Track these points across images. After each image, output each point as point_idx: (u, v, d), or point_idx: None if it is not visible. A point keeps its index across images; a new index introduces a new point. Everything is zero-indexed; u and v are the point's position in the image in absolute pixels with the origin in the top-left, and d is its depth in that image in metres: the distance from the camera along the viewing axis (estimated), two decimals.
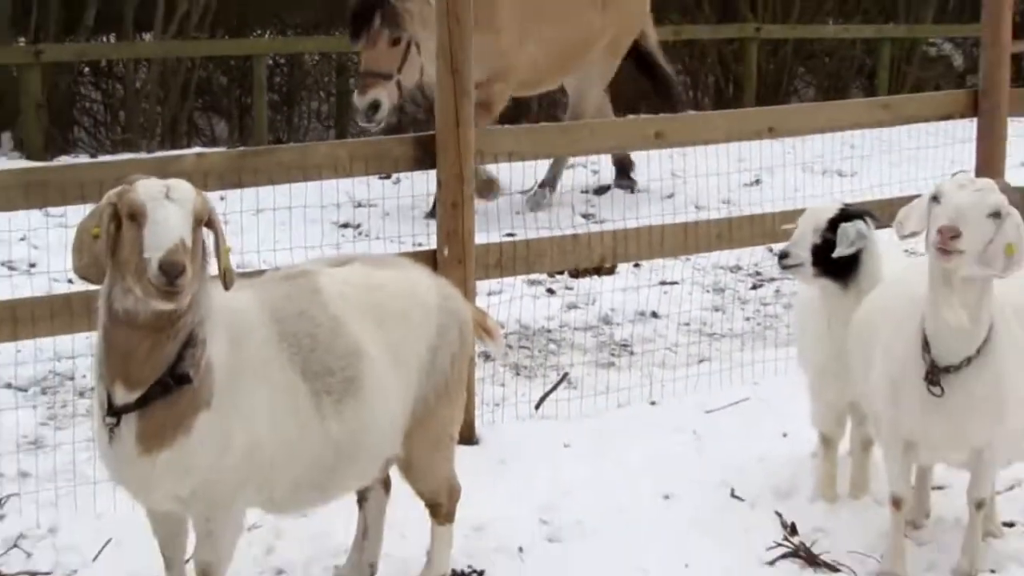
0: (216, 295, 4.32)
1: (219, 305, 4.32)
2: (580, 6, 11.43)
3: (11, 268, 8.78)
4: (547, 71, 11.78)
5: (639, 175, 11.88)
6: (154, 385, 4.14)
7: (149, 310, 4.10)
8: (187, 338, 4.16)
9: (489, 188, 10.15)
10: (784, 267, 5.60)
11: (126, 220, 4.05)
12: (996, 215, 4.58)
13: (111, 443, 4.22)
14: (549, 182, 11.96)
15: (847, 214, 5.49)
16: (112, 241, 4.08)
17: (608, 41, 12.04)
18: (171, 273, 3.95)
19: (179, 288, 3.97)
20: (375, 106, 10.16)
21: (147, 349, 4.13)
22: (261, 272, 5.31)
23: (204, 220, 4.15)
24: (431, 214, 10.07)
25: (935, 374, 4.74)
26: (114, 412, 4.18)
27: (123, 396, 4.16)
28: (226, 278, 4.21)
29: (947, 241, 4.51)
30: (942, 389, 4.73)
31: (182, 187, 4.14)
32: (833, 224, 5.45)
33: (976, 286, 4.67)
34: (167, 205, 4.05)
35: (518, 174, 10.26)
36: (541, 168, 11.40)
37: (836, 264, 5.43)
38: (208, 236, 4.22)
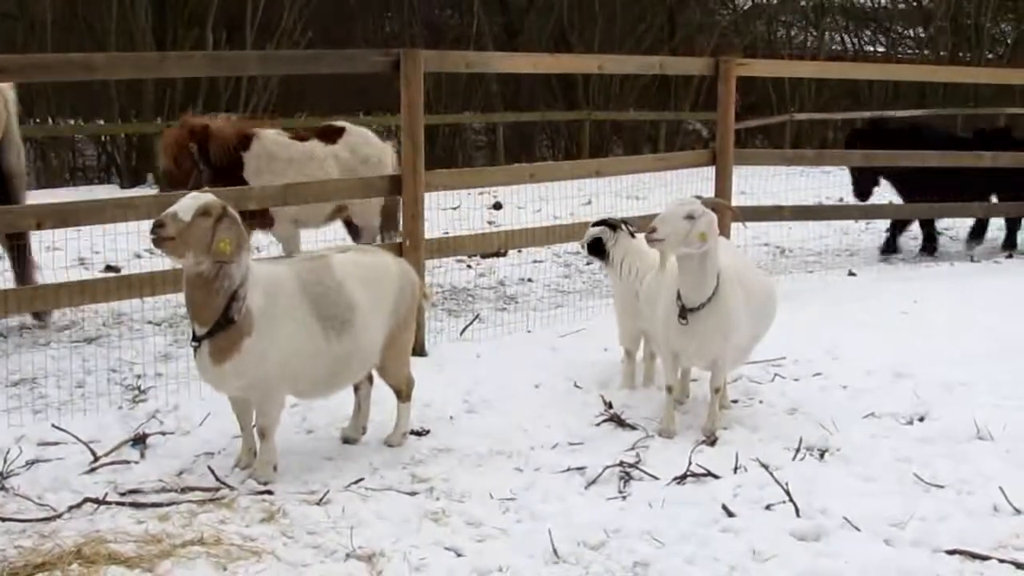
0: (260, 270, 4.17)
1: (263, 274, 4.16)
2: None
3: (152, 252, 8.50)
4: None
5: (522, 201, 11.57)
6: (215, 324, 4.00)
7: (191, 273, 3.96)
8: (232, 295, 4.00)
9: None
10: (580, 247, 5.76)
11: None
12: (690, 217, 4.51)
13: (197, 358, 4.11)
14: None
15: (599, 222, 5.60)
16: None
17: None
18: (154, 224, 3.84)
19: (158, 236, 3.84)
20: None
21: (201, 300, 3.99)
22: (294, 255, 5.14)
23: (212, 215, 3.92)
24: None
25: (684, 313, 4.68)
26: (196, 339, 4.07)
27: (199, 330, 4.05)
28: (215, 255, 3.92)
29: (649, 234, 4.53)
30: (688, 321, 4.67)
31: (203, 195, 4.01)
32: (595, 226, 5.61)
33: (695, 260, 4.59)
34: (184, 200, 3.92)
35: (450, 199, 10.02)
36: (463, 194, 11.11)
37: (591, 247, 5.59)
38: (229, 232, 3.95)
